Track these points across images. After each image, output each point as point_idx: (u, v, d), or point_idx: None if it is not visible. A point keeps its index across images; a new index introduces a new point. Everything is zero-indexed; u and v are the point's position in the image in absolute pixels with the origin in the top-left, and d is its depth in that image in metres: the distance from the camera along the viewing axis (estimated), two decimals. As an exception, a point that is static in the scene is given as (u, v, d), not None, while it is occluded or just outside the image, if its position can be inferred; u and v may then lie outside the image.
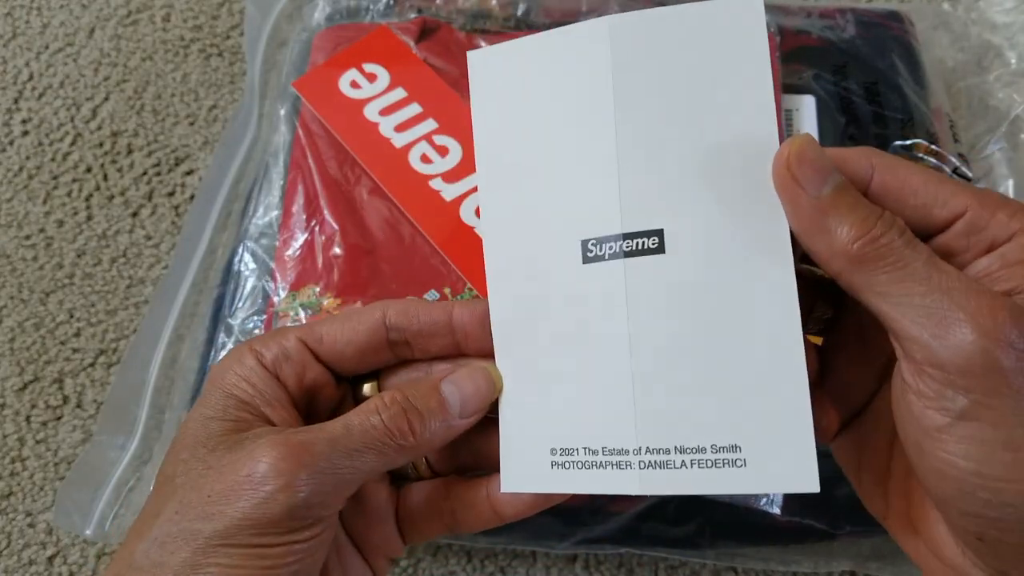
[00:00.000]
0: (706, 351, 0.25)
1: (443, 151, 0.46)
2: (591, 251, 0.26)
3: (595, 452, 0.26)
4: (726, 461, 0.24)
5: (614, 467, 0.26)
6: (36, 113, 0.58)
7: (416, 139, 0.47)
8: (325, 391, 0.28)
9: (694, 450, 0.25)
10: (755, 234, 0.24)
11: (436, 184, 0.45)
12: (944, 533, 0.24)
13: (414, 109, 0.48)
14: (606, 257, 0.26)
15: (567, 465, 0.27)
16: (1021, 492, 0.20)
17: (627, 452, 0.26)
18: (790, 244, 0.24)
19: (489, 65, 0.30)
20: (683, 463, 0.25)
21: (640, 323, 0.26)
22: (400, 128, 0.47)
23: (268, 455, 0.23)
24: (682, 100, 0.26)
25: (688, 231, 0.25)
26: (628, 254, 0.26)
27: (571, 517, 0.41)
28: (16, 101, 0.59)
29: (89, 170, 0.56)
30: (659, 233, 0.26)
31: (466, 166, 0.46)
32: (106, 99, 0.59)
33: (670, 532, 0.41)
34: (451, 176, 0.45)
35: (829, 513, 0.40)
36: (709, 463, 0.25)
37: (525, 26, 0.51)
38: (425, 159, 0.46)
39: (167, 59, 0.60)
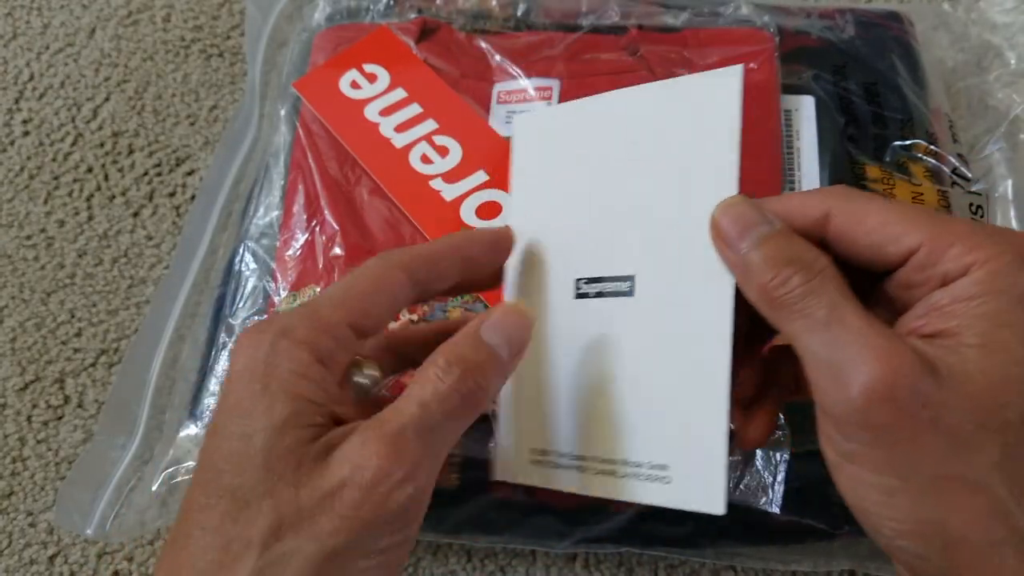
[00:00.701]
0: (653, 382, 0.29)
1: (443, 151, 0.46)
2: (581, 288, 0.31)
3: (563, 455, 0.31)
4: (657, 477, 0.29)
5: (574, 470, 0.31)
6: (37, 113, 0.58)
7: (416, 139, 0.47)
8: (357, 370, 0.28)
9: (634, 464, 0.29)
10: (705, 284, 0.28)
11: (436, 184, 0.45)
12: None
13: (414, 109, 0.48)
14: (591, 295, 0.31)
15: (543, 463, 0.32)
16: (894, 529, 0.22)
17: (585, 459, 0.31)
18: (732, 290, 0.27)
19: (530, 128, 0.34)
20: (624, 474, 0.29)
21: (607, 354, 0.30)
22: (400, 128, 0.47)
23: (374, 452, 0.22)
24: (667, 162, 0.29)
25: (654, 279, 0.29)
26: (606, 294, 0.30)
27: (571, 516, 0.42)
28: (17, 101, 0.59)
29: (90, 170, 0.57)
30: (631, 278, 0.30)
31: (466, 166, 0.46)
32: (107, 99, 0.59)
33: (670, 531, 0.41)
34: (451, 176, 0.45)
35: (828, 512, 0.40)
36: (643, 476, 0.29)
37: (525, 26, 0.51)
38: (425, 159, 0.46)
39: (168, 59, 0.60)
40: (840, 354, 0.22)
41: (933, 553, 0.22)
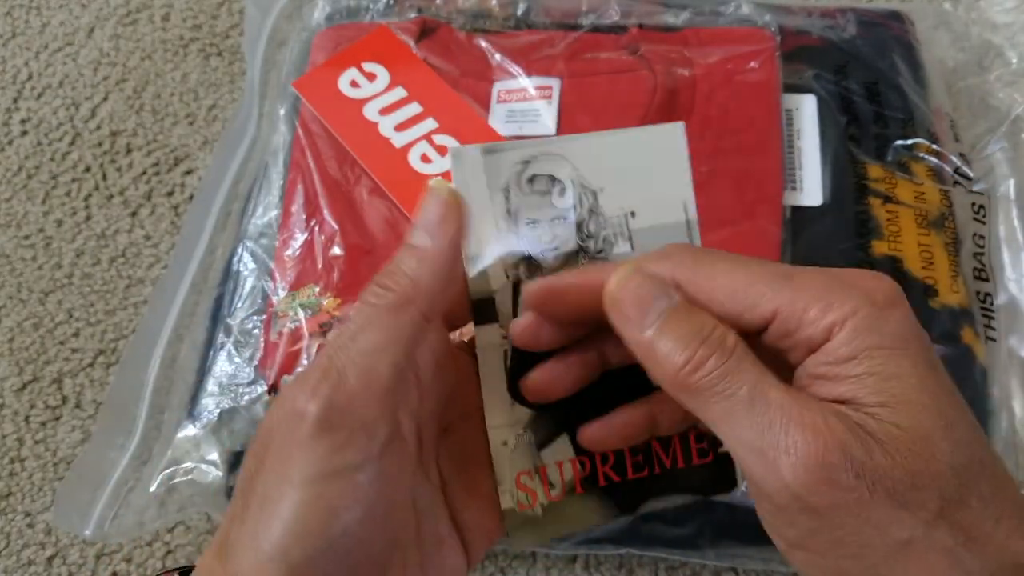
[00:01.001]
0: None
1: (443, 150, 0.46)
2: None
3: None
4: None
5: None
6: (35, 113, 0.58)
7: (416, 139, 0.47)
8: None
9: None
10: None
11: None
12: None
13: (414, 109, 0.48)
14: None
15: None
16: None
17: None
18: None
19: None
20: None
21: None
22: (400, 128, 0.47)
23: (287, 386, 0.24)
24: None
25: None
26: None
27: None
28: (15, 101, 0.59)
29: (88, 170, 0.56)
30: None
31: None
32: (105, 99, 0.58)
33: (670, 532, 0.41)
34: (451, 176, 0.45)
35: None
36: None
37: (525, 26, 0.51)
38: (425, 159, 0.46)
39: (166, 59, 0.60)
40: (767, 436, 0.21)
41: None
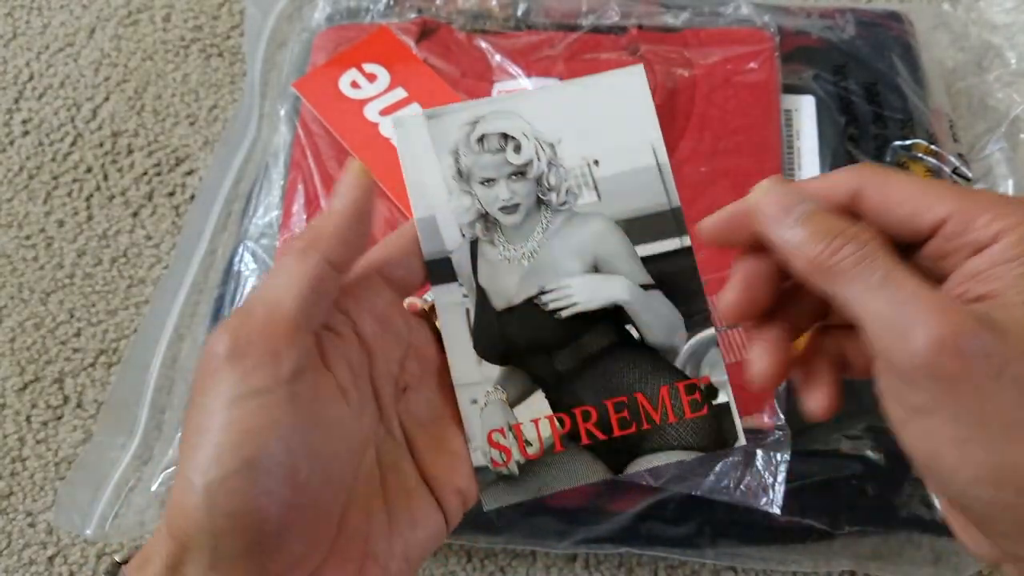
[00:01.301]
0: None
1: None
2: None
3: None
4: None
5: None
6: (36, 113, 0.58)
7: None
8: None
9: None
10: None
11: None
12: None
13: (414, 109, 0.48)
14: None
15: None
16: (968, 477, 0.23)
17: None
18: None
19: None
20: None
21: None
22: None
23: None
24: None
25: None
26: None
27: (571, 517, 0.41)
28: (16, 101, 0.59)
29: (89, 170, 0.56)
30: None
31: None
32: (106, 99, 0.59)
33: (670, 532, 0.41)
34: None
35: (829, 513, 0.40)
36: None
37: (525, 26, 0.51)
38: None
39: (167, 59, 0.60)
40: (902, 311, 0.23)
41: (1008, 498, 0.22)
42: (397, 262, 0.29)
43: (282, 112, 0.50)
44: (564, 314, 0.29)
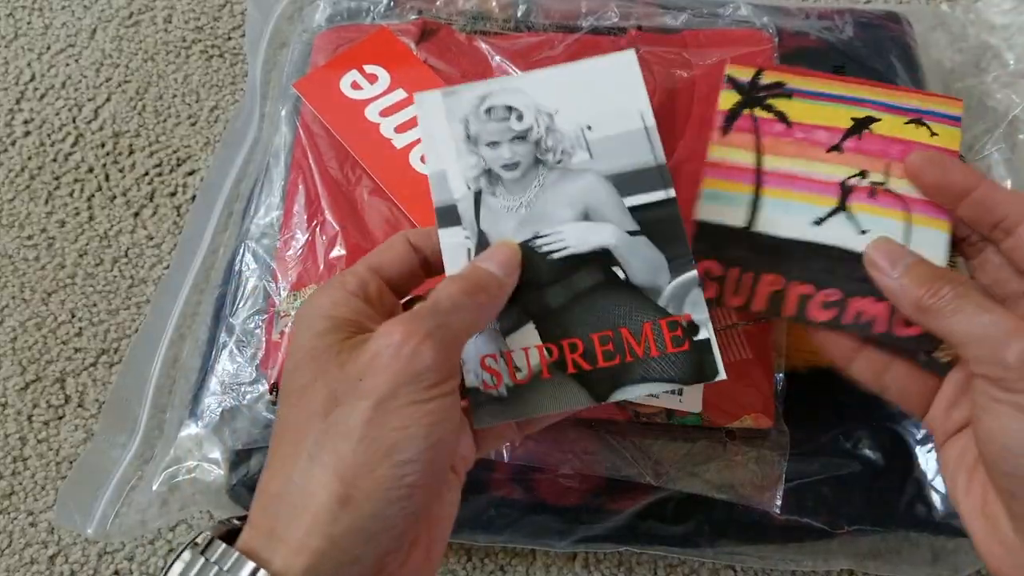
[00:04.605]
0: None
1: None
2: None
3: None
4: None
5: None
6: (38, 114, 0.59)
7: (417, 140, 0.47)
8: (396, 312, 0.32)
9: None
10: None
11: None
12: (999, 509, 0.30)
13: (415, 110, 0.48)
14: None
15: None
16: None
17: None
18: None
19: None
20: None
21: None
22: (401, 129, 0.47)
23: (397, 329, 0.28)
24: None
25: None
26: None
27: (570, 516, 0.42)
28: (18, 102, 0.59)
29: (91, 170, 0.57)
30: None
31: None
32: (108, 100, 0.59)
33: (669, 531, 0.41)
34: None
35: (828, 512, 0.41)
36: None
37: (525, 27, 0.51)
38: (425, 160, 0.46)
39: (169, 60, 0.60)
40: (995, 332, 0.29)
41: None
42: (390, 264, 0.32)
43: (283, 112, 0.50)
44: (556, 256, 0.32)
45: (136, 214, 0.55)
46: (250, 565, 0.27)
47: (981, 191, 0.32)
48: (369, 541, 0.27)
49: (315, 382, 0.28)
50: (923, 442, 0.41)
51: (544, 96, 0.34)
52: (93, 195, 0.56)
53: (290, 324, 0.40)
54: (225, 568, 0.27)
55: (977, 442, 0.30)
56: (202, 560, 0.28)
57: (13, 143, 0.58)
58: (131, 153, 0.57)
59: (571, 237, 0.32)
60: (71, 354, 0.51)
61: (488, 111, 0.34)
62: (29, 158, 0.57)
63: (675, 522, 0.41)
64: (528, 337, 0.32)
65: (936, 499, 0.40)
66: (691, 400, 0.40)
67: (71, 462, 0.49)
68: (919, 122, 0.35)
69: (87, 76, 0.60)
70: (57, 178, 0.56)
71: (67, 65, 0.60)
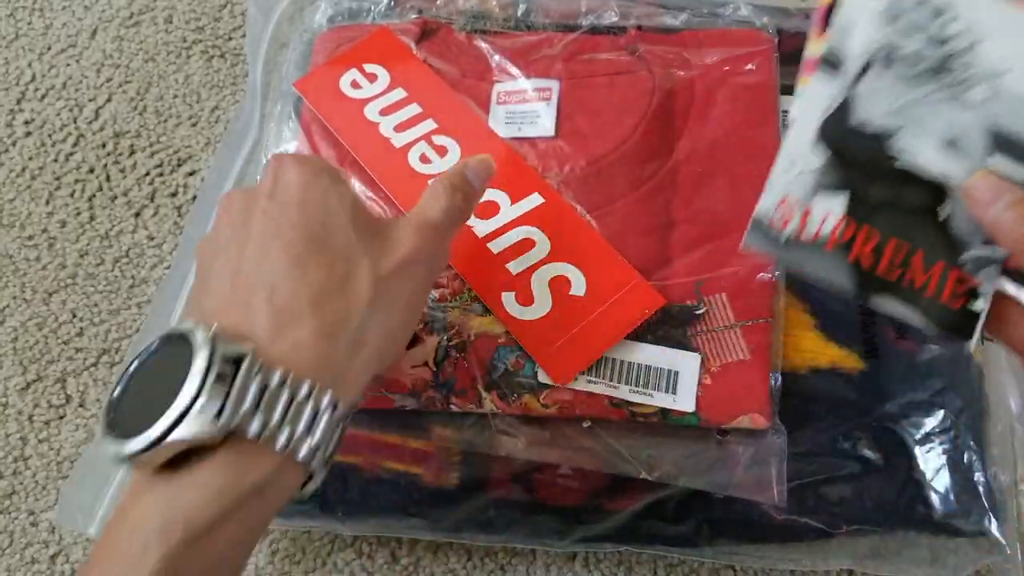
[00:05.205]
0: None
1: (442, 151, 0.46)
2: None
3: None
4: None
5: None
6: (39, 114, 0.59)
7: (416, 139, 0.47)
8: None
9: None
10: None
11: None
12: None
13: (414, 109, 0.48)
14: None
15: None
16: None
17: None
18: None
19: None
20: None
21: None
22: (400, 128, 0.47)
23: (412, 235, 0.34)
24: None
25: None
26: None
27: (570, 516, 0.42)
28: (19, 102, 0.59)
29: (92, 171, 0.57)
30: None
31: None
32: (108, 100, 0.59)
33: (669, 530, 0.41)
34: None
35: (827, 512, 0.41)
36: None
37: (525, 27, 0.51)
38: (424, 159, 0.46)
39: (169, 60, 0.60)
40: None
41: None
42: None
43: (284, 113, 0.51)
44: (902, 160, 0.32)
45: (137, 214, 0.55)
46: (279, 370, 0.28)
47: None
48: (365, 371, 0.32)
49: (349, 231, 0.32)
50: (923, 442, 0.41)
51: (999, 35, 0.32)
52: (94, 195, 0.56)
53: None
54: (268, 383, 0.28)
55: None
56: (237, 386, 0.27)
57: (14, 143, 0.58)
58: (132, 153, 0.57)
59: (924, 155, 0.32)
60: (72, 354, 0.51)
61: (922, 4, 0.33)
62: (30, 158, 0.57)
63: (675, 522, 0.41)
64: (836, 204, 0.33)
65: (936, 499, 0.40)
66: (685, 399, 0.40)
67: (72, 462, 0.49)
68: None
69: (88, 76, 0.60)
70: (58, 178, 0.57)
71: (68, 65, 0.60)
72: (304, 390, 0.28)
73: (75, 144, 0.58)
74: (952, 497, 0.40)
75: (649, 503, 0.41)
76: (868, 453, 0.41)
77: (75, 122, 0.58)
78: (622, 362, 0.41)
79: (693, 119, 0.46)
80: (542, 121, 0.47)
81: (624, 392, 0.40)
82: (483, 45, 0.50)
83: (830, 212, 0.32)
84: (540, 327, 0.41)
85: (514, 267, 0.43)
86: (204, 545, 0.26)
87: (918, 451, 0.41)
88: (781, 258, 0.34)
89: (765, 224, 0.33)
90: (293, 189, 0.33)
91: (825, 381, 0.42)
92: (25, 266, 0.54)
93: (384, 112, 0.48)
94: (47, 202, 0.56)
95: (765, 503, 0.40)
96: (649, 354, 0.41)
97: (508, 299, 0.42)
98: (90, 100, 0.59)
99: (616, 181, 0.45)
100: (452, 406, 0.41)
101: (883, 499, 0.40)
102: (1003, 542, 0.40)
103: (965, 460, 0.41)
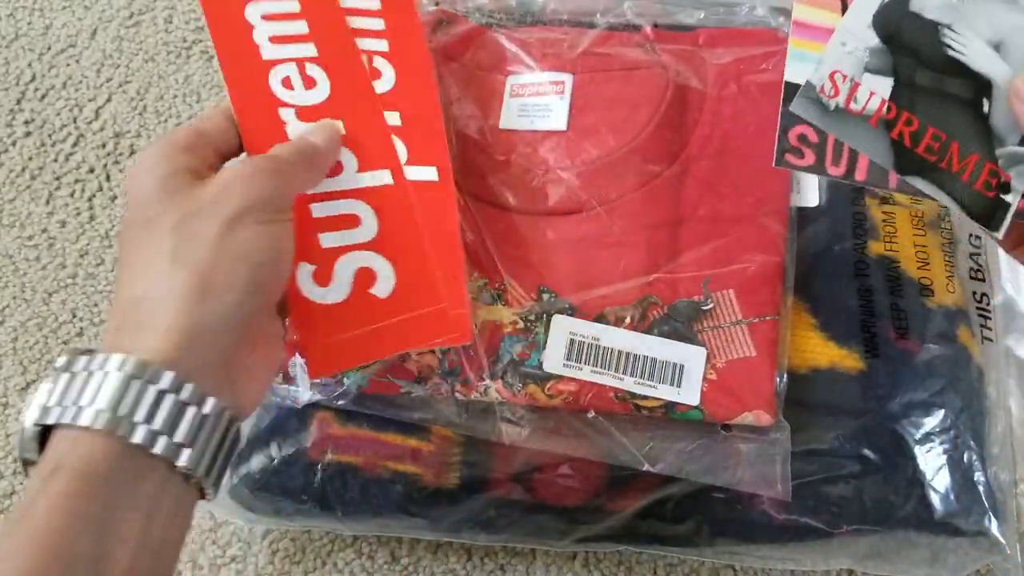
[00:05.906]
0: None
1: (310, 83, 0.41)
2: None
3: None
4: None
5: None
6: (39, 114, 0.59)
7: (287, 58, 0.41)
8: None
9: None
10: None
11: (285, 114, 0.40)
12: None
13: (300, 27, 0.42)
14: None
15: None
16: None
17: None
18: None
19: None
20: None
21: None
22: (275, 39, 0.41)
23: (246, 164, 0.34)
24: None
25: None
26: None
27: (570, 515, 0.42)
28: (19, 102, 0.59)
29: (92, 171, 0.57)
30: None
31: (327, 112, 0.40)
32: (108, 100, 0.59)
33: (669, 530, 0.42)
34: (306, 114, 0.40)
35: (827, 512, 0.41)
36: None
37: (540, 22, 0.51)
38: (287, 83, 0.41)
39: (169, 60, 0.60)
40: None
41: None
42: (211, 131, 0.37)
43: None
44: (949, 52, 0.34)
45: (137, 214, 0.55)
46: (117, 356, 0.29)
47: None
48: (226, 330, 0.31)
49: (166, 209, 0.32)
50: (923, 442, 0.41)
51: None
52: (94, 195, 0.56)
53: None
54: (92, 370, 0.29)
55: None
56: (66, 376, 0.29)
57: (14, 143, 0.58)
58: (132, 153, 0.57)
59: (973, 50, 0.34)
60: (72, 354, 0.51)
61: None
62: (30, 158, 0.57)
63: (675, 522, 0.41)
64: (881, 86, 0.35)
65: (936, 499, 0.40)
66: (689, 393, 0.40)
67: (72, 462, 0.49)
68: None
69: (88, 76, 0.60)
70: (58, 178, 0.57)
71: (68, 65, 0.60)
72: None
73: (75, 144, 0.58)
74: (952, 497, 0.40)
75: (649, 503, 0.41)
76: (868, 453, 0.41)
77: (75, 122, 0.58)
78: (628, 354, 0.41)
79: (706, 117, 0.46)
80: (555, 114, 0.47)
81: (629, 384, 0.40)
82: (498, 37, 0.49)
83: (876, 91, 0.35)
84: (323, 313, 0.38)
85: (326, 240, 0.39)
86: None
87: (918, 451, 0.41)
88: (827, 125, 0.35)
89: (816, 90, 0.35)
90: (128, 183, 0.34)
91: (825, 381, 0.42)
92: (25, 266, 0.54)
93: (266, 17, 0.42)
94: (47, 202, 0.56)
95: (769, 497, 0.40)
96: (655, 347, 0.41)
97: (303, 271, 0.38)
98: (90, 100, 0.59)
99: (627, 175, 0.45)
100: (457, 394, 0.41)
101: (883, 499, 0.40)
102: (1003, 542, 0.40)
103: (965, 460, 0.41)
